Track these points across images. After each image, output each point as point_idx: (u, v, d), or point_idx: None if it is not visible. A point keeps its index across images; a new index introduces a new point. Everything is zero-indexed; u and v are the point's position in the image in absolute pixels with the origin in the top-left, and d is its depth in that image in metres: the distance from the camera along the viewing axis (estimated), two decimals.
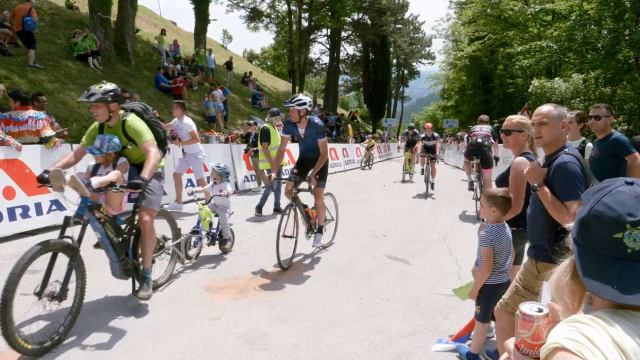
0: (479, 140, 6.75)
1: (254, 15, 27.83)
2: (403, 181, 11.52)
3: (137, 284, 3.07)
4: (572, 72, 16.33)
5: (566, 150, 1.95)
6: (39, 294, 2.42)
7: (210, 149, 8.88)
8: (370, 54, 34.93)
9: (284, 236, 3.99)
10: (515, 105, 24.56)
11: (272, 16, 28.23)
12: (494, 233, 2.34)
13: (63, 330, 2.53)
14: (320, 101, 30.42)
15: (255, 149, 9.00)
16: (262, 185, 9.28)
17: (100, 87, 2.89)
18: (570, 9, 17.02)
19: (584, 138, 3.83)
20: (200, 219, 4.04)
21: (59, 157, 5.43)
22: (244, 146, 9.54)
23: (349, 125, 23.71)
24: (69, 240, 2.57)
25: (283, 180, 4.48)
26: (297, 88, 25.17)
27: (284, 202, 6.76)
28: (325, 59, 35.69)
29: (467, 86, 32.20)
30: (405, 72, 45.20)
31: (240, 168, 9.40)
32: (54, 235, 2.92)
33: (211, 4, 20.81)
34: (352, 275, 3.96)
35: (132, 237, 3.14)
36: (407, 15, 38.42)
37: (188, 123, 6.44)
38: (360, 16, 31.78)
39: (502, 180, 2.61)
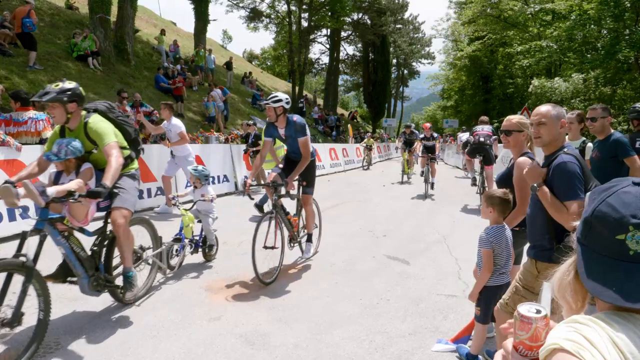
0: (482, 139, 7.38)
1: (254, 16, 27.83)
2: (402, 182, 11.40)
3: (120, 293, 2.93)
4: (572, 72, 16.34)
5: (565, 150, 1.95)
6: None
7: (210, 149, 8.89)
8: (370, 54, 34.93)
9: (265, 247, 3.69)
10: (515, 105, 24.56)
11: (272, 16, 28.23)
12: (494, 235, 2.33)
13: (28, 356, 2.27)
14: (320, 101, 30.41)
15: (254, 149, 9.00)
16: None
17: (57, 85, 2.67)
18: (570, 8, 17.02)
19: (584, 138, 3.83)
20: (183, 226, 3.78)
21: None
22: (244, 146, 9.54)
23: (349, 125, 23.71)
24: (23, 258, 2.30)
25: (261, 186, 4.15)
26: (297, 88, 25.17)
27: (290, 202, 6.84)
28: (325, 59, 35.73)
29: (466, 86, 32.20)
30: (405, 72, 45.22)
31: (240, 168, 9.40)
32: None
33: (211, 4, 20.84)
34: (352, 276, 3.96)
35: (105, 248, 2.89)
36: (406, 15, 38.48)
37: (176, 124, 6.39)
38: (360, 16, 31.77)
39: (503, 181, 2.60)
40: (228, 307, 3.18)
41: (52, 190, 2.45)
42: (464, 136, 15.25)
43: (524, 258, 2.47)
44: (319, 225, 4.83)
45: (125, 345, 2.59)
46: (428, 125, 10.36)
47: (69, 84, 2.71)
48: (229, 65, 20.81)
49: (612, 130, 3.46)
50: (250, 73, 24.92)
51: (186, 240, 3.84)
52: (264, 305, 3.25)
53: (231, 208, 6.95)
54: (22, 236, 2.37)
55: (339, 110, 35.26)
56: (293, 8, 25.22)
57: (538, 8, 19.06)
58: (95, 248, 2.86)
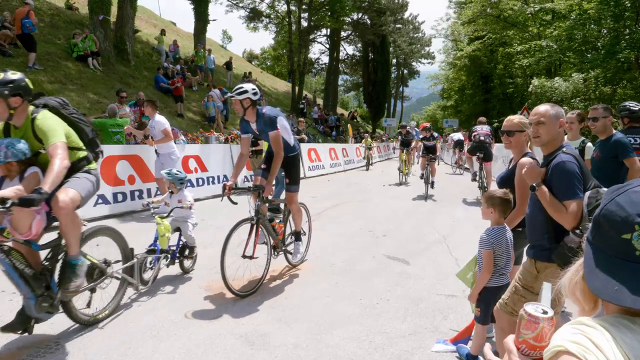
0: (482, 138, 8.22)
1: (254, 16, 27.82)
2: (399, 184, 11.14)
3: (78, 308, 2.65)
4: (572, 72, 16.33)
5: (564, 150, 1.95)
6: None
7: (210, 149, 8.89)
8: (370, 54, 34.92)
9: (244, 256, 3.41)
10: (515, 104, 24.56)
11: (272, 16, 28.22)
12: (495, 236, 2.33)
13: None
14: (320, 101, 30.42)
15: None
16: None
17: None
18: (570, 8, 17.01)
19: (583, 138, 3.82)
20: (158, 236, 3.40)
21: None
22: None
23: (349, 125, 23.71)
24: None
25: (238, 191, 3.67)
26: (296, 88, 25.17)
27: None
28: (325, 59, 35.73)
29: (466, 86, 32.20)
30: (405, 71, 45.25)
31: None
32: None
33: (211, 5, 20.83)
34: (352, 276, 3.95)
35: (59, 263, 2.54)
36: (406, 15, 38.51)
37: (160, 121, 6.22)
38: (359, 16, 31.76)
39: (504, 181, 2.59)
40: (228, 307, 3.18)
41: None
42: (455, 136, 16.17)
43: (524, 258, 2.46)
44: (308, 232, 4.45)
45: (125, 345, 2.58)
46: (425, 125, 10.22)
47: (13, 75, 2.39)
48: (228, 65, 20.81)
49: (614, 131, 3.46)
50: (250, 73, 24.89)
51: (161, 252, 3.47)
52: (264, 305, 3.25)
53: (231, 208, 6.94)
54: None
55: (339, 110, 35.26)
56: (293, 8, 25.22)
57: (538, 8, 19.05)
58: (46, 263, 2.54)
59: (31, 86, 2.49)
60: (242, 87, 3.54)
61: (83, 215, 5.69)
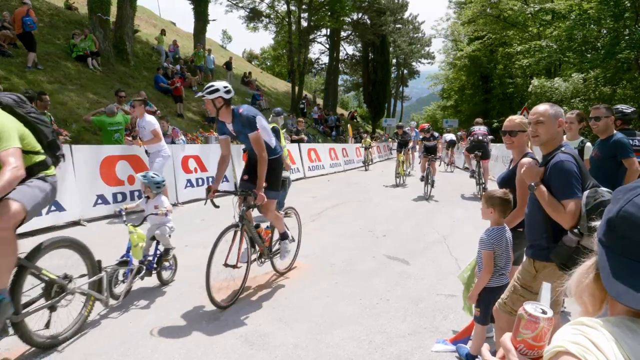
0: (480, 137, 8.90)
1: (254, 16, 27.81)
2: (396, 185, 10.56)
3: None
4: (572, 72, 16.33)
5: (563, 149, 1.96)
6: None
7: (210, 149, 8.88)
8: (370, 54, 34.91)
9: (226, 265, 3.18)
10: (515, 104, 24.56)
11: (272, 16, 28.22)
12: (495, 236, 2.33)
13: None
14: (319, 101, 30.42)
15: None
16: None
17: None
18: (570, 8, 17.01)
19: (582, 138, 3.83)
20: (131, 246, 3.12)
21: None
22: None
23: (349, 125, 23.70)
24: None
25: (218, 194, 3.35)
26: (296, 88, 25.17)
27: (288, 201, 6.82)
28: (325, 59, 35.70)
29: (466, 86, 32.21)
30: (405, 71, 45.24)
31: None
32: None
33: (210, 5, 20.80)
34: (352, 276, 3.95)
35: (10, 281, 2.22)
36: (406, 15, 38.48)
37: (150, 121, 6.09)
38: (359, 16, 31.75)
39: (504, 182, 2.59)
40: (228, 307, 3.18)
41: None
42: (448, 136, 17.04)
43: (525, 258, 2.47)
44: (297, 239, 4.21)
45: (125, 345, 2.58)
46: (424, 126, 10.19)
47: None
48: (228, 65, 20.82)
49: (615, 131, 3.47)
50: (249, 73, 24.92)
51: (135, 263, 3.19)
52: (264, 305, 3.25)
53: (232, 209, 6.93)
54: None
55: (339, 110, 35.26)
56: (293, 8, 25.21)
57: (538, 8, 19.05)
58: None
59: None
60: (213, 86, 3.24)
61: (83, 215, 5.80)
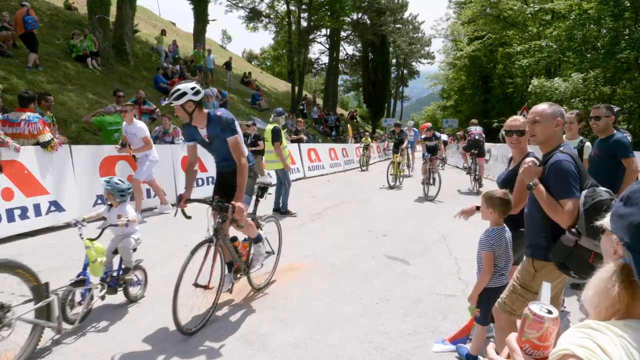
0: (476, 137, 9.83)
1: (253, 16, 27.82)
2: (390, 187, 9.86)
3: None
4: (572, 72, 16.32)
5: (561, 149, 1.96)
6: None
7: None
8: (370, 54, 34.92)
9: (196, 285, 2.80)
10: (515, 104, 24.57)
11: (272, 16, 28.23)
12: (494, 237, 2.33)
13: None
14: (319, 101, 30.42)
15: (253, 149, 8.99)
16: None
17: None
18: (570, 8, 17.01)
19: (581, 138, 3.83)
20: (88, 262, 2.78)
21: (58, 159, 5.47)
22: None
23: (349, 125, 23.70)
24: None
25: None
26: (296, 88, 25.17)
27: (289, 202, 6.81)
28: (325, 59, 35.71)
29: (466, 86, 32.23)
30: (405, 71, 45.25)
31: None
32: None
33: (210, 5, 20.81)
34: (352, 276, 3.95)
35: None
36: (406, 15, 38.49)
37: (141, 127, 5.85)
38: (359, 16, 31.76)
39: (504, 182, 2.59)
40: (228, 308, 3.18)
41: None
42: (443, 137, 17.89)
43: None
44: (277, 250, 3.85)
45: (125, 345, 2.58)
46: (427, 125, 10.09)
47: None
48: (228, 65, 20.80)
49: (614, 131, 3.47)
50: (249, 73, 24.94)
51: (94, 280, 2.85)
52: (264, 305, 3.25)
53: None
54: None
55: (339, 110, 35.26)
56: (292, 8, 25.22)
57: (537, 8, 19.05)
58: None
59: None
60: (179, 90, 2.89)
61: (82, 215, 5.76)
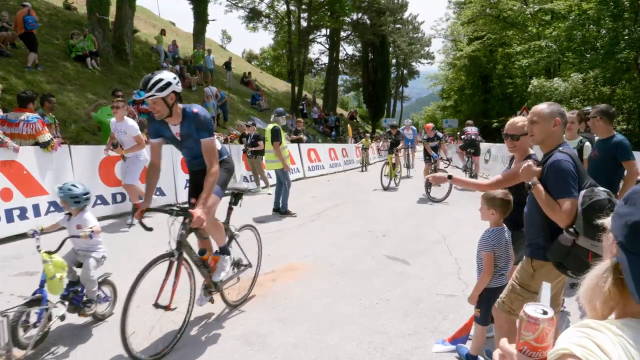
0: (472, 137, 10.60)
1: (253, 16, 27.82)
2: (384, 189, 9.58)
3: None
4: (571, 72, 16.34)
5: (560, 149, 1.97)
6: None
7: None
8: (370, 54, 34.93)
9: (157, 306, 2.46)
10: (515, 105, 24.59)
11: (271, 16, 28.24)
12: (495, 237, 2.34)
13: None
14: (319, 101, 30.42)
15: (252, 149, 8.99)
16: (262, 185, 9.28)
17: None
18: (569, 8, 17.03)
19: (581, 137, 3.83)
20: (45, 278, 2.46)
21: (57, 159, 5.46)
22: (243, 146, 9.54)
23: (349, 125, 23.71)
24: None
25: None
26: (296, 88, 25.17)
27: (289, 202, 6.80)
28: (325, 59, 35.70)
29: (466, 86, 32.25)
30: (405, 72, 45.26)
31: (239, 168, 9.40)
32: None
33: (210, 4, 20.80)
34: (352, 276, 3.95)
35: None
36: (406, 15, 38.48)
37: (133, 126, 5.50)
38: (359, 16, 31.77)
39: None
40: (227, 308, 3.17)
41: None
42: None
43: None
44: (257, 262, 3.52)
45: (122, 346, 2.57)
46: (431, 125, 9.96)
47: None
48: (228, 65, 20.79)
49: (615, 132, 3.47)
50: (249, 73, 24.93)
51: (52, 299, 2.51)
52: (263, 306, 3.24)
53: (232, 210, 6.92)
54: None
55: (339, 110, 35.26)
56: (292, 8, 25.22)
57: (537, 8, 19.08)
58: None
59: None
60: (161, 80, 2.51)
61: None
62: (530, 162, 2.05)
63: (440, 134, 10.18)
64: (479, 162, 10.89)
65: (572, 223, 1.83)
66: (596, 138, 3.62)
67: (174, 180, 7.25)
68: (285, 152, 6.89)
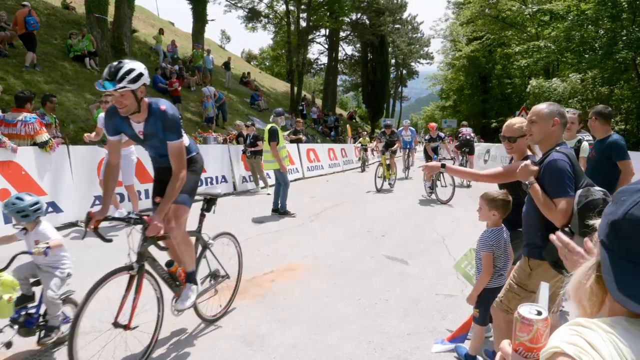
0: (467, 137, 11.32)
1: (252, 16, 27.80)
2: (378, 190, 9.34)
3: None
4: (570, 72, 16.37)
5: (557, 148, 1.98)
6: None
7: (209, 150, 8.87)
8: (369, 54, 34.94)
9: (116, 325, 2.25)
10: (514, 105, 24.62)
11: (271, 16, 28.23)
12: (494, 237, 2.34)
13: None
14: (318, 101, 30.42)
15: (252, 149, 8.98)
16: (261, 186, 9.28)
17: None
18: (568, 9, 17.06)
19: (579, 137, 3.84)
20: None
21: (55, 160, 5.45)
22: (242, 146, 9.53)
23: (348, 125, 23.71)
24: None
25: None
26: (295, 88, 25.17)
27: (289, 202, 6.78)
28: (324, 59, 35.71)
29: (465, 86, 32.27)
30: (404, 72, 45.31)
31: (238, 168, 9.39)
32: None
33: (209, 4, 20.76)
34: (351, 276, 3.95)
35: None
36: (405, 15, 38.52)
37: None
38: (358, 16, 31.80)
39: (505, 184, 2.59)
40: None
41: None
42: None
43: None
44: (238, 272, 3.26)
45: (122, 347, 2.56)
46: (434, 124, 9.87)
47: None
48: (227, 65, 20.77)
49: (612, 132, 3.48)
50: (248, 73, 24.90)
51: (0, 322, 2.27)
52: (263, 306, 3.24)
53: (232, 211, 6.94)
54: None
55: (338, 111, 35.26)
56: (291, 8, 25.22)
57: (536, 8, 19.11)
58: None
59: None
60: (133, 69, 2.25)
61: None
62: (527, 161, 2.06)
63: (442, 134, 10.15)
64: (473, 160, 11.73)
65: (568, 222, 1.84)
66: (586, 137, 3.64)
67: None
68: (284, 153, 6.89)
